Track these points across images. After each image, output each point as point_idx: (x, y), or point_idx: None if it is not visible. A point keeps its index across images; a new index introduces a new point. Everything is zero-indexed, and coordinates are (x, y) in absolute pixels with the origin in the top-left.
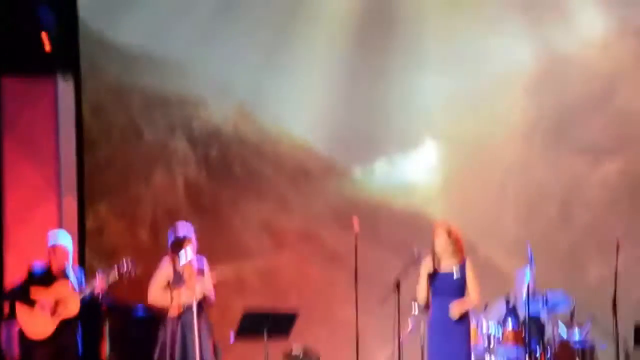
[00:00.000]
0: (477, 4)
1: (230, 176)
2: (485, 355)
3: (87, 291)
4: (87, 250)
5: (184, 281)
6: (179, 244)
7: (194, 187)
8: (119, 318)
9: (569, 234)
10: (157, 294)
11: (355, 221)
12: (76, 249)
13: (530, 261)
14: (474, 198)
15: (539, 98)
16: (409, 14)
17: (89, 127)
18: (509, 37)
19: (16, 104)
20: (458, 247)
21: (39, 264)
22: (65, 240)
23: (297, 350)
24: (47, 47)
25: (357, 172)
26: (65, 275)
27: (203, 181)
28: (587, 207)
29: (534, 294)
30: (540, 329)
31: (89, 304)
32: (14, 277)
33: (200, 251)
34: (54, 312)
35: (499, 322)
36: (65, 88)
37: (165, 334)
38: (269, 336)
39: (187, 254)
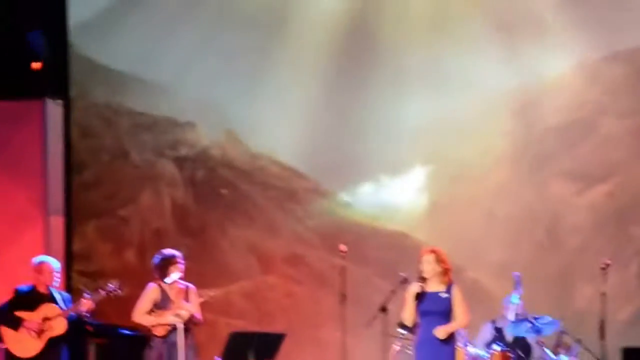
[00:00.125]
0: (463, 28)
1: (218, 198)
2: None
3: (74, 311)
4: (73, 271)
5: (171, 301)
6: (164, 264)
7: (181, 209)
8: (104, 338)
9: (557, 257)
10: (141, 317)
11: (343, 248)
12: (63, 271)
13: (517, 285)
14: (461, 221)
15: (526, 122)
16: (393, 38)
17: (77, 149)
18: (495, 61)
19: (5, 126)
20: (445, 271)
21: (24, 286)
22: (51, 260)
23: None
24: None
25: (344, 195)
26: (51, 297)
27: (190, 203)
28: (574, 231)
29: (521, 317)
30: (527, 351)
31: (75, 325)
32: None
33: (187, 272)
34: (40, 331)
35: (486, 345)
36: (54, 110)
37: (152, 355)
38: (256, 357)
39: (174, 274)
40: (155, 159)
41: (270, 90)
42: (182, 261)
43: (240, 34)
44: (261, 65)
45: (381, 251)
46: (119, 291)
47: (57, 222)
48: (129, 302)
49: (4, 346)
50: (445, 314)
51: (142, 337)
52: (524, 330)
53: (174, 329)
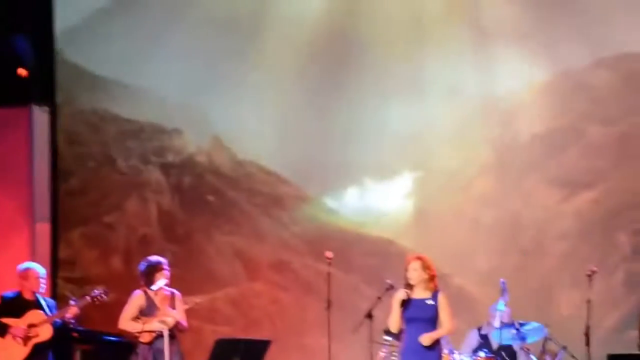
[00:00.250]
0: (447, 34)
1: (204, 205)
2: None
3: (59, 318)
4: (59, 278)
5: (156, 308)
6: (150, 271)
7: (167, 215)
8: (90, 345)
9: (542, 264)
10: (127, 323)
11: (329, 254)
12: (49, 277)
13: (503, 292)
14: (446, 228)
15: (511, 129)
16: (376, 44)
17: (64, 156)
18: (480, 68)
19: None
20: (431, 277)
21: (10, 293)
22: (37, 267)
23: None
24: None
25: (330, 201)
26: (37, 304)
27: (176, 210)
28: (559, 238)
29: (506, 323)
30: (513, 358)
31: (61, 331)
32: None
33: (173, 279)
34: (26, 338)
35: (471, 352)
36: (40, 117)
37: None
38: None
39: (160, 280)
40: (141, 165)
41: (256, 96)
42: (168, 268)
43: (225, 40)
44: (246, 72)
45: (367, 258)
46: (105, 297)
47: (43, 229)
48: (115, 308)
49: None
50: (430, 320)
51: (127, 344)
52: (509, 337)
53: (159, 335)
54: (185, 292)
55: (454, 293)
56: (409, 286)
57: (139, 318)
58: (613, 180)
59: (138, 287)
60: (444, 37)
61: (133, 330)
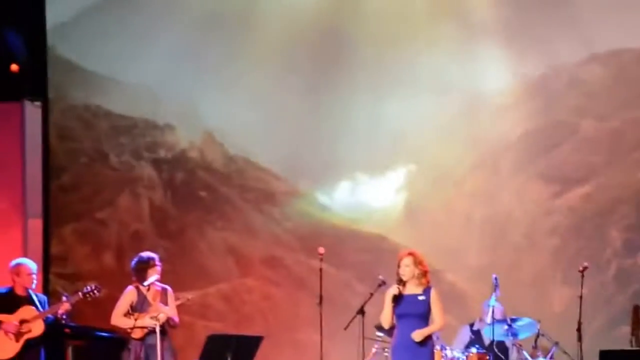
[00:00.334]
0: (439, 30)
1: (196, 201)
2: None
3: (51, 313)
4: (51, 274)
5: (148, 304)
6: (142, 267)
7: (159, 211)
8: (82, 340)
9: (534, 260)
10: (119, 319)
11: (321, 250)
12: (41, 273)
13: (495, 287)
14: (439, 224)
15: (504, 125)
16: (370, 39)
17: (56, 151)
18: (473, 64)
19: None
20: (423, 273)
21: (2, 288)
22: (29, 262)
23: None
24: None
25: (322, 197)
26: (29, 300)
27: (168, 206)
28: (552, 233)
29: (499, 319)
30: (505, 354)
31: (53, 327)
32: None
33: (165, 275)
34: (18, 333)
35: (463, 348)
36: (32, 112)
37: (129, 357)
38: None
39: (152, 277)
40: (133, 161)
41: (248, 92)
42: (160, 263)
43: (217, 36)
44: (238, 68)
45: (359, 254)
46: (97, 293)
47: (36, 225)
48: (107, 304)
49: None
50: (422, 316)
51: (119, 340)
52: (501, 333)
53: (151, 331)
54: (177, 288)
55: (446, 289)
56: (401, 282)
57: (131, 314)
58: (605, 175)
59: (130, 283)
60: (435, 34)
61: (125, 326)
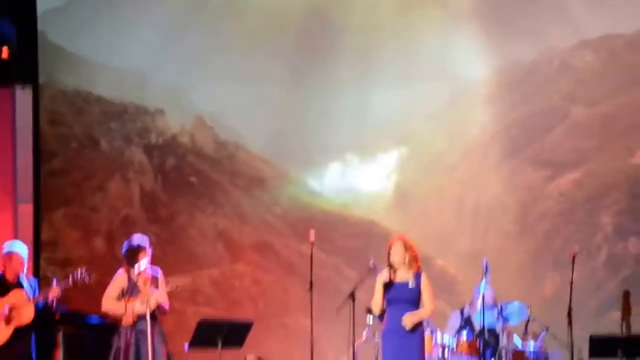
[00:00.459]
0: (431, 15)
1: (186, 186)
2: None
3: (41, 299)
4: (42, 259)
5: (138, 290)
6: (133, 253)
7: (149, 196)
8: (72, 326)
9: (525, 245)
10: (109, 304)
11: (312, 233)
12: (31, 258)
13: (486, 272)
14: (429, 209)
15: (496, 111)
16: (360, 23)
17: (46, 137)
18: (465, 49)
19: None
20: (414, 259)
21: None
22: (20, 248)
23: (251, 359)
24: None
25: (313, 181)
26: (19, 284)
27: (159, 191)
28: (543, 219)
29: (490, 305)
30: (495, 339)
31: (43, 312)
32: None
33: (155, 260)
34: (8, 319)
35: (454, 333)
36: (23, 98)
37: (119, 343)
38: (224, 345)
39: (142, 263)
40: (124, 146)
41: (238, 77)
42: (151, 249)
43: (207, 21)
44: (229, 53)
45: (349, 239)
46: (87, 279)
47: (26, 210)
48: (97, 289)
49: None
50: (412, 301)
51: (110, 325)
52: (492, 319)
53: (141, 316)
54: (167, 273)
55: (436, 274)
56: (392, 267)
57: (121, 299)
58: (596, 160)
59: (120, 268)
60: (428, 19)
61: (115, 311)
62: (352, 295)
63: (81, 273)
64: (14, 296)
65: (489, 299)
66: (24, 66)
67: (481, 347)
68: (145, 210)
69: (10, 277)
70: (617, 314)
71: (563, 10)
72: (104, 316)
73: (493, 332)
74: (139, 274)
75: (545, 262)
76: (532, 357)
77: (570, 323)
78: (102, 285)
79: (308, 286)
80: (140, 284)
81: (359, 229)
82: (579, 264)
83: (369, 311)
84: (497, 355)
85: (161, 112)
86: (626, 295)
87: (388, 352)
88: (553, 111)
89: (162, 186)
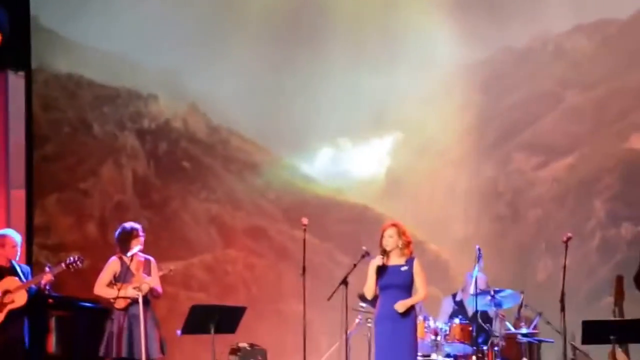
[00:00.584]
0: (429, 0)
1: (179, 171)
2: (432, 351)
3: (34, 284)
4: (34, 244)
5: (131, 275)
6: (126, 238)
7: (142, 182)
8: (65, 311)
9: (518, 230)
10: (102, 289)
11: (305, 221)
12: (24, 244)
13: (479, 258)
14: (422, 195)
15: (489, 95)
16: (358, 8)
17: (39, 122)
18: (458, 34)
19: None
20: (406, 244)
21: None
22: (13, 234)
23: (243, 344)
24: None
25: (306, 165)
26: (12, 270)
27: (152, 176)
28: (536, 204)
29: (483, 290)
30: (488, 325)
31: (36, 297)
32: None
33: (148, 245)
34: (1, 305)
35: (446, 318)
36: (15, 82)
37: (112, 327)
38: (216, 331)
39: (135, 247)
40: (117, 131)
41: (231, 62)
42: (143, 234)
43: (200, 6)
44: (222, 38)
45: (342, 224)
46: (80, 264)
47: (19, 196)
48: (90, 274)
49: None
50: (405, 287)
51: (102, 310)
52: (484, 304)
53: (134, 301)
54: (160, 259)
55: (429, 260)
56: (385, 253)
57: (114, 284)
58: (590, 145)
59: (113, 254)
60: (422, 3)
61: (108, 296)
62: (344, 281)
63: (74, 258)
64: (6, 281)
65: (481, 285)
66: (17, 51)
67: (474, 333)
68: (138, 196)
69: (2, 261)
70: (610, 299)
71: None
72: (97, 301)
73: (486, 318)
74: (132, 259)
75: (538, 247)
76: (524, 342)
77: (563, 308)
78: (95, 270)
79: (301, 271)
80: (132, 268)
81: (352, 214)
82: (571, 249)
83: (362, 297)
84: (489, 341)
85: (154, 96)
86: (619, 280)
87: (381, 337)
88: (547, 96)
89: (154, 171)
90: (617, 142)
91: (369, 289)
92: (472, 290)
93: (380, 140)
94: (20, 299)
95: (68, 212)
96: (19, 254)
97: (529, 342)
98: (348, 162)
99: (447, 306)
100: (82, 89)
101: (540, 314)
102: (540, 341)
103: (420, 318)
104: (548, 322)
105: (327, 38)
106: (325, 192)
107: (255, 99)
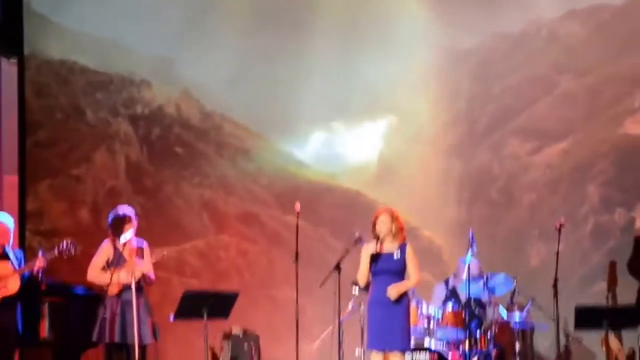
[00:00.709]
0: None
1: (172, 157)
2: (425, 337)
3: (27, 270)
4: (27, 230)
5: (124, 260)
6: (118, 223)
7: (135, 167)
8: (58, 297)
9: (511, 216)
10: (95, 274)
11: (297, 206)
12: (17, 229)
13: (472, 244)
14: (415, 180)
15: (483, 81)
16: None
17: (31, 108)
18: (451, 19)
19: None
20: (399, 230)
21: None
22: (6, 219)
23: (236, 330)
24: None
25: (299, 152)
26: (5, 255)
27: (145, 162)
28: (529, 189)
29: (476, 276)
30: (481, 310)
31: (28, 283)
32: None
33: (141, 231)
34: None
35: (439, 304)
36: (8, 69)
37: (105, 313)
38: (209, 316)
39: (127, 233)
40: (110, 117)
41: (224, 47)
42: (136, 219)
43: None
44: (215, 23)
45: (335, 210)
46: (73, 250)
47: (12, 181)
48: (83, 260)
49: None
50: (397, 273)
51: (95, 296)
52: (477, 289)
53: (127, 287)
54: (153, 244)
55: (422, 245)
56: (378, 239)
57: (106, 269)
58: (583, 130)
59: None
60: None
61: (101, 282)
62: (337, 267)
63: (67, 244)
64: None
65: (474, 270)
66: (9, 37)
67: (467, 318)
68: (131, 181)
69: None
70: (603, 285)
71: None
72: (90, 287)
73: (479, 303)
74: (125, 244)
75: (531, 233)
76: (517, 328)
77: (556, 294)
78: (88, 256)
79: (294, 257)
80: (125, 254)
81: (345, 200)
82: (565, 234)
83: (355, 283)
84: (482, 327)
85: (147, 82)
86: (612, 266)
87: (373, 323)
88: (540, 81)
89: (147, 157)
90: (611, 128)
91: (362, 276)
92: (464, 275)
93: (374, 124)
94: (13, 285)
95: (61, 198)
96: (11, 239)
97: (522, 329)
98: (341, 147)
99: (440, 292)
100: (75, 75)
101: (533, 300)
102: (532, 328)
103: (413, 304)
104: (541, 308)
105: (320, 23)
106: (317, 177)
107: (248, 85)
